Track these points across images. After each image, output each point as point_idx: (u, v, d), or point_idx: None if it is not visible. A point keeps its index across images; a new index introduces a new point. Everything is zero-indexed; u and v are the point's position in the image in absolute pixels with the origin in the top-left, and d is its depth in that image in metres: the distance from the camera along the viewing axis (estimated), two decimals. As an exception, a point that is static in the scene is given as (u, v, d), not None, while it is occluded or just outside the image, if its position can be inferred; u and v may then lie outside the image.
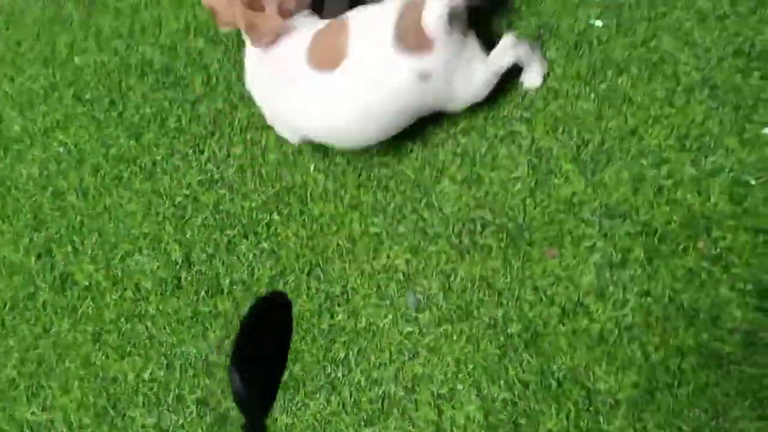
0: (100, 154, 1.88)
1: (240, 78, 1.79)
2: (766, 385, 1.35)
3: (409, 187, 1.65)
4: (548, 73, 1.56)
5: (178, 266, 1.81)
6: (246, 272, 1.75)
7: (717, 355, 1.39)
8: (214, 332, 1.75)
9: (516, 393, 1.50)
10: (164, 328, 1.79)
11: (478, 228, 1.59)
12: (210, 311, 1.77)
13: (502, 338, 1.54)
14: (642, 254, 1.47)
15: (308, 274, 1.70)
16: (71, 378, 1.83)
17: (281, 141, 1.75)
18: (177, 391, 1.74)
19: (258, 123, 1.77)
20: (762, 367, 1.36)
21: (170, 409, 1.74)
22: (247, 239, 1.77)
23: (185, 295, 1.79)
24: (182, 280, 1.80)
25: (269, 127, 1.76)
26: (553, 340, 1.50)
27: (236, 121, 1.79)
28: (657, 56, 1.49)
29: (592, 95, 1.53)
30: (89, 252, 1.90)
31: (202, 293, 1.78)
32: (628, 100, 1.50)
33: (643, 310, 1.45)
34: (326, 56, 1.49)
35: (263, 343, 0.95)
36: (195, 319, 1.77)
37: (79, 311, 1.88)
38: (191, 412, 1.72)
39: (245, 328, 0.96)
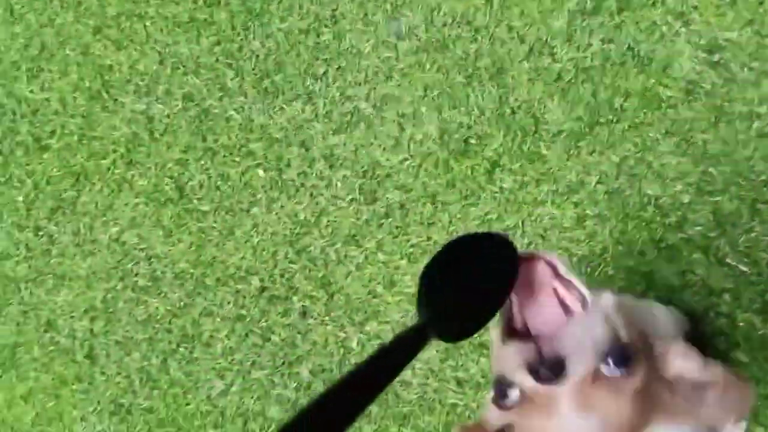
0: None
1: None
2: (695, 127, 1.49)
3: None
4: None
5: (180, -27, 1.89)
6: (244, -13, 1.84)
7: (658, 98, 1.51)
8: (207, 38, 1.86)
9: (472, 117, 1.64)
10: (161, 30, 1.90)
11: (468, -35, 1.66)
12: (206, 19, 1.87)
13: (470, 69, 1.65)
14: (614, 5, 1.55)
15: (302, -6, 1.79)
16: (70, 64, 1.96)
17: None
18: (167, 85, 1.88)
19: None
20: (697, 111, 1.49)
21: (158, 100, 1.88)
22: (249, -45, 1.84)
23: (184, 1, 1.89)
24: (183, -14, 1.89)
25: None
26: (516, 75, 1.62)
27: None
28: None
29: None
30: (98, -49, 1.98)
31: (200, 1, 1.87)
32: None
33: (603, 55, 1.56)
34: None
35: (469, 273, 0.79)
36: (191, 24, 1.88)
37: (83, 5, 1.98)
38: (177, 105, 1.86)
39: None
